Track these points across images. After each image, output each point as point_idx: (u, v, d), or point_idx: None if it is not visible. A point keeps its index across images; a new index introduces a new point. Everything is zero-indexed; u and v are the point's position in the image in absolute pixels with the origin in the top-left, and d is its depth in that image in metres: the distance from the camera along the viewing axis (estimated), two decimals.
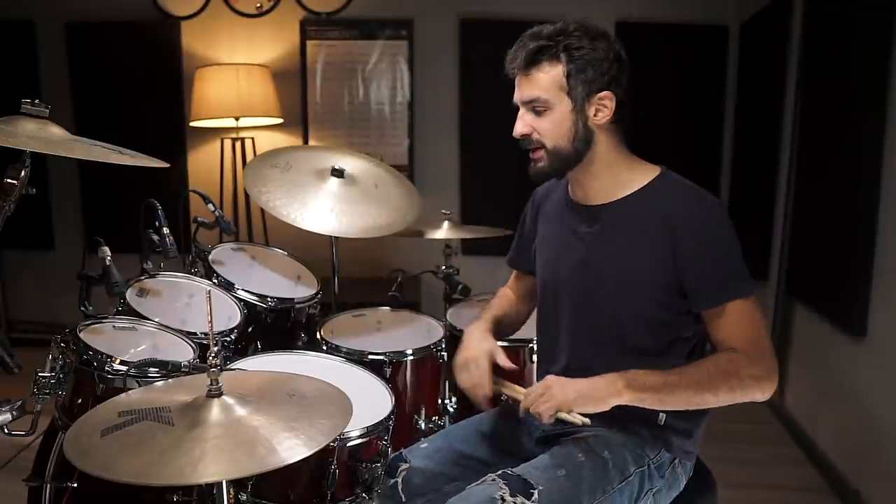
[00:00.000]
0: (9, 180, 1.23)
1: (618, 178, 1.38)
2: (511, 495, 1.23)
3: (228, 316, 1.83)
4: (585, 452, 1.34)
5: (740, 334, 1.29)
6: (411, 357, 1.89)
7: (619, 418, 1.35)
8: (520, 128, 1.37)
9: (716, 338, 1.32)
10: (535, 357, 2.03)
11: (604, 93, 1.32)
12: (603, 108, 1.33)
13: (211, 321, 1.13)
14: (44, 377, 1.42)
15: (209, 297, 1.15)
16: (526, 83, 1.34)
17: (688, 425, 1.40)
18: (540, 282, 1.55)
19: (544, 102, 1.33)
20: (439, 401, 2.07)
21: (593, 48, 1.30)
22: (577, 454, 1.34)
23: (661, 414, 1.36)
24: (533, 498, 1.24)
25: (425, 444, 1.49)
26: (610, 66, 1.31)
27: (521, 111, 1.37)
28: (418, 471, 1.42)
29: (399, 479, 1.41)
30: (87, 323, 1.56)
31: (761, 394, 1.27)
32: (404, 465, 1.43)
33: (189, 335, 1.65)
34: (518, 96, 1.37)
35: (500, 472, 1.29)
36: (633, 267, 1.35)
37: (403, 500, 1.39)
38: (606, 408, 1.26)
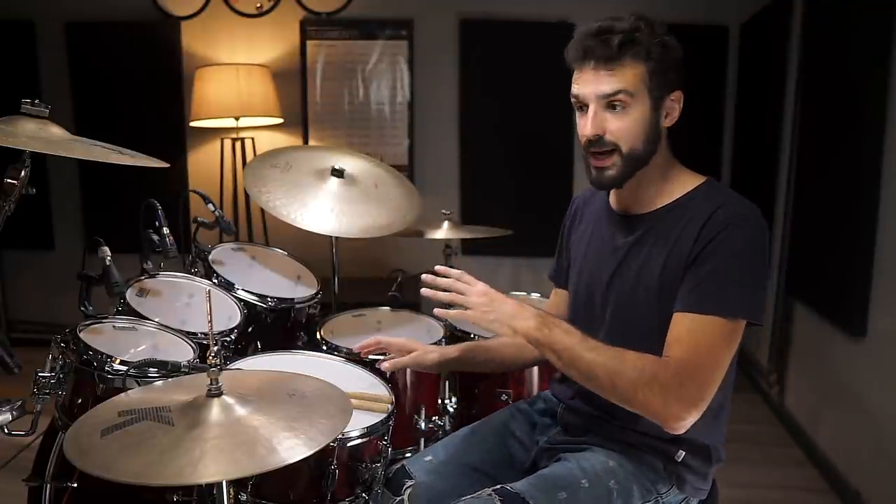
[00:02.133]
0: (9, 180, 1.23)
1: (665, 186, 1.32)
2: None
3: (228, 316, 1.82)
4: (591, 479, 1.29)
5: (688, 352, 1.16)
6: None
7: (635, 448, 1.33)
8: (592, 128, 1.25)
9: (666, 339, 1.20)
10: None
11: (675, 93, 1.27)
12: (673, 109, 1.28)
13: (211, 321, 1.13)
14: (44, 377, 1.42)
15: (209, 297, 1.15)
16: (606, 77, 1.23)
17: (706, 467, 1.34)
18: (572, 294, 1.49)
19: (627, 97, 1.23)
20: (439, 401, 2.06)
21: (671, 46, 1.24)
22: (581, 479, 1.29)
23: (679, 451, 1.30)
24: None
25: (429, 457, 1.45)
26: (680, 67, 1.26)
27: (592, 108, 1.25)
28: (424, 486, 1.38)
29: (405, 497, 1.37)
30: (87, 323, 1.56)
31: (667, 420, 1.15)
32: (410, 482, 1.38)
33: (189, 335, 1.65)
34: (592, 90, 1.24)
35: (498, 487, 1.26)
36: (659, 274, 1.26)
37: None
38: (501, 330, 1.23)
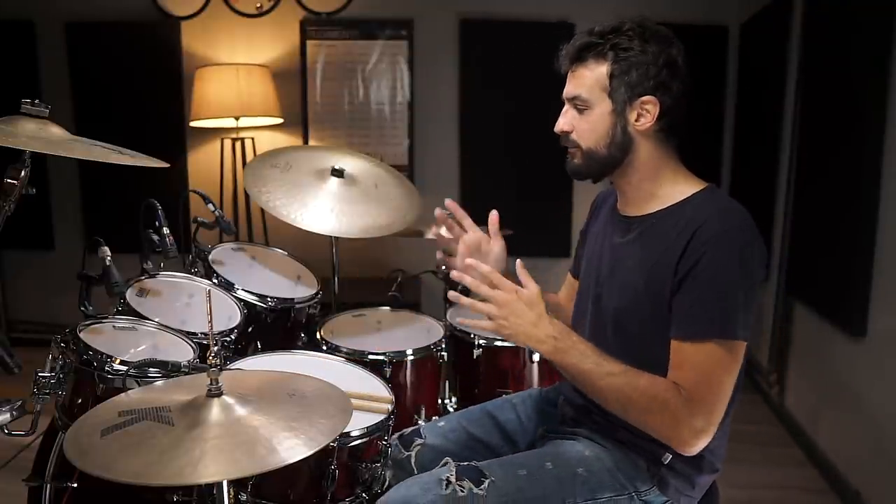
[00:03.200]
0: (9, 180, 1.23)
1: (659, 189, 1.32)
2: (457, 479, 1.26)
3: (228, 316, 1.82)
4: (557, 463, 1.32)
5: (694, 378, 1.18)
6: (411, 357, 1.89)
7: (622, 444, 1.34)
8: (561, 124, 1.35)
9: (670, 368, 1.22)
10: (535, 357, 2.04)
11: (647, 97, 1.26)
12: (645, 113, 1.27)
13: (211, 321, 1.13)
14: (44, 377, 1.42)
15: (209, 297, 1.15)
16: (571, 79, 1.31)
17: (695, 474, 1.33)
18: (579, 286, 1.53)
19: (584, 101, 1.29)
20: (439, 401, 2.07)
21: (643, 50, 1.24)
22: (546, 461, 1.33)
23: (666, 454, 1.30)
24: (482, 486, 1.26)
25: (442, 423, 1.56)
26: (658, 71, 1.25)
27: (566, 107, 1.34)
28: (431, 447, 1.49)
29: (413, 453, 1.49)
30: (87, 323, 1.56)
31: (677, 445, 1.20)
32: (419, 441, 1.51)
33: (189, 335, 1.65)
34: (564, 92, 1.34)
35: (464, 462, 1.32)
36: (646, 279, 1.27)
37: (415, 472, 1.46)
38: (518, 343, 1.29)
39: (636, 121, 1.28)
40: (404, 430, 1.57)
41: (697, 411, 1.17)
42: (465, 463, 1.31)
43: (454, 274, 1.35)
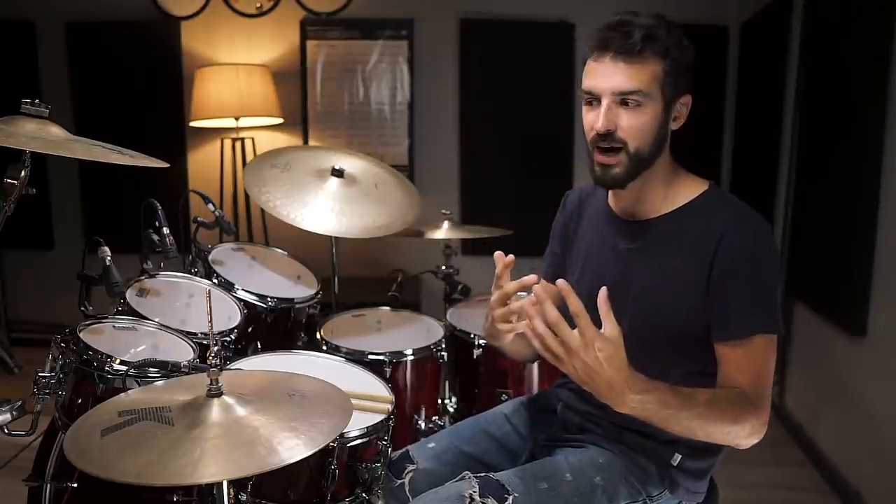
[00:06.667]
0: (9, 180, 1.23)
1: (668, 191, 1.29)
2: (481, 496, 1.22)
3: (228, 316, 1.83)
4: (575, 473, 1.30)
5: (752, 376, 1.18)
6: (411, 357, 1.89)
7: (630, 448, 1.33)
8: (604, 123, 1.20)
9: (723, 371, 1.21)
10: None
11: (686, 97, 1.24)
12: (681, 113, 1.25)
13: (211, 321, 1.13)
14: (44, 377, 1.42)
15: (209, 297, 1.15)
16: (625, 71, 1.18)
17: (703, 466, 1.33)
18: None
19: (643, 96, 1.19)
20: (439, 401, 2.07)
21: (686, 48, 1.22)
22: (565, 472, 1.30)
23: (675, 454, 1.30)
24: (506, 503, 1.22)
25: (432, 444, 1.48)
26: (692, 70, 1.24)
27: (606, 103, 1.20)
28: (424, 472, 1.41)
29: (406, 480, 1.40)
30: (87, 323, 1.56)
31: (745, 444, 1.18)
32: (411, 466, 1.42)
33: (189, 335, 1.65)
34: (607, 85, 1.20)
35: (482, 473, 1.28)
36: (672, 289, 1.25)
37: (410, 500, 1.38)
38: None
39: (673, 120, 1.26)
40: (392, 455, 1.48)
41: (763, 406, 1.17)
42: (484, 474, 1.27)
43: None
